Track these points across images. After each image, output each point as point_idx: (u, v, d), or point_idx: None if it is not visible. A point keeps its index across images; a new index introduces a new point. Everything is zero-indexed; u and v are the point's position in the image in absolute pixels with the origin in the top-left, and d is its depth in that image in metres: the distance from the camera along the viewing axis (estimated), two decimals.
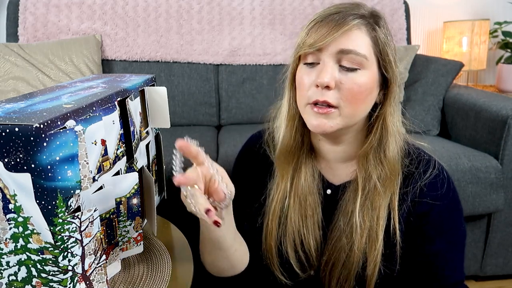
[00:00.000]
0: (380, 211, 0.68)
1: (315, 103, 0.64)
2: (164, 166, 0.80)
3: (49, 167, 0.44)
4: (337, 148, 0.72)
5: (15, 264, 0.48)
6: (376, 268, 0.69)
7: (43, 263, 0.47)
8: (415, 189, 0.69)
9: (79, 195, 0.48)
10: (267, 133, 0.80)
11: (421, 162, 0.71)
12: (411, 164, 0.70)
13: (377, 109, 0.69)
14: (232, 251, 0.68)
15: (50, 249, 0.46)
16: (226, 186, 0.56)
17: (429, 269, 0.70)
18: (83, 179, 0.49)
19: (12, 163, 0.43)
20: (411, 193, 0.70)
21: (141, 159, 0.68)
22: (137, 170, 0.65)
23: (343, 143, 0.71)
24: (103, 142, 0.54)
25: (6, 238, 0.47)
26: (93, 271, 0.52)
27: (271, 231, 0.74)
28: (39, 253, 0.47)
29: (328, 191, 0.74)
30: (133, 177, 0.60)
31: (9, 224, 0.46)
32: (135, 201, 0.61)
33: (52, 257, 0.47)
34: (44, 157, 0.44)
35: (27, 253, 0.47)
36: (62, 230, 0.46)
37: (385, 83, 0.68)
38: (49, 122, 0.44)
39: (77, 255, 0.49)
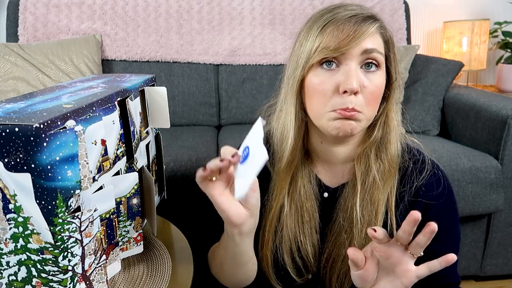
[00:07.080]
0: (379, 206, 0.68)
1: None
2: (164, 166, 0.80)
3: (49, 167, 0.44)
4: (341, 148, 0.71)
5: (15, 264, 0.48)
6: None
7: (43, 263, 0.47)
8: (411, 189, 0.69)
9: (79, 195, 0.48)
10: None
11: (417, 162, 0.71)
12: (410, 162, 0.70)
13: (382, 106, 0.68)
14: (250, 264, 0.69)
15: (50, 249, 0.46)
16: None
17: None
18: (83, 179, 0.49)
19: (12, 163, 0.43)
20: (407, 193, 0.70)
21: (141, 159, 0.68)
22: (137, 170, 0.65)
23: (349, 143, 0.70)
24: (103, 142, 0.54)
25: (6, 238, 0.47)
26: (93, 271, 0.52)
27: (267, 240, 0.73)
28: (39, 253, 0.47)
29: (325, 194, 0.74)
30: (133, 177, 0.60)
31: (9, 224, 0.46)
32: (135, 201, 0.61)
33: (52, 257, 0.47)
34: (44, 157, 0.44)
35: (27, 253, 0.47)
36: (62, 230, 0.46)
37: (388, 80, 0.68)
38: (49, 122, 0.44)
39: (77, 255, 0.49)
